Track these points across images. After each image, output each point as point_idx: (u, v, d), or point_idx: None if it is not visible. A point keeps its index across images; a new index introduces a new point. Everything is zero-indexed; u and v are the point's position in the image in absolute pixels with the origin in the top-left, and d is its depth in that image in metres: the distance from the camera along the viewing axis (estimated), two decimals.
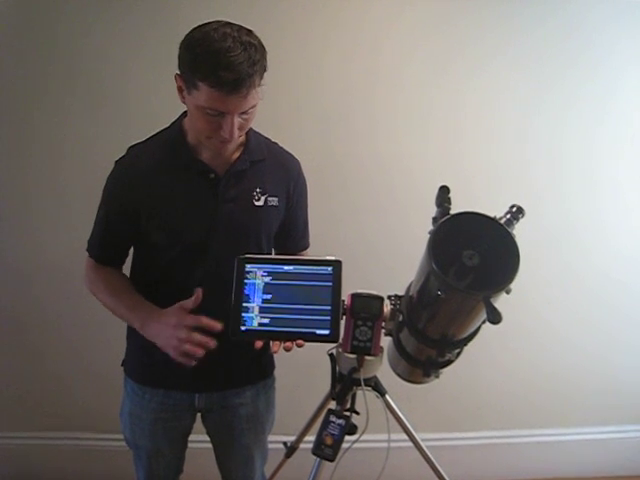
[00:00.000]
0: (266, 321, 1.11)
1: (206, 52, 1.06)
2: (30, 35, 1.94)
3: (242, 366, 1.35)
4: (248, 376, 1.40)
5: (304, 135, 2.01)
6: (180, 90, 1.17)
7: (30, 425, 2.18)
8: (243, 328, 1.11)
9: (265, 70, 1.14)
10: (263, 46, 1.13)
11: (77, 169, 1.99)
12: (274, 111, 1.97)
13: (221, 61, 1.05)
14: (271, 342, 1.12)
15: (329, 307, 1.11)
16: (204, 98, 1.09)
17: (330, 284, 1.12)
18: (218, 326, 1.13)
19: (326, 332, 1.10)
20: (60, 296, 2.03)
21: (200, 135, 1.20)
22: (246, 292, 1.13)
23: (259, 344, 1.10)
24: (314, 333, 1.10)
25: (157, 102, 1.81)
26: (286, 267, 1.15)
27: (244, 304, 1.12)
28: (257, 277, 1.14)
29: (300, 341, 1.09)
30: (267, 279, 1.14)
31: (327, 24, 2.02)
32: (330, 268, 1.13)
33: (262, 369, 1.44)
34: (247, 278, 1.13)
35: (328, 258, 1.15)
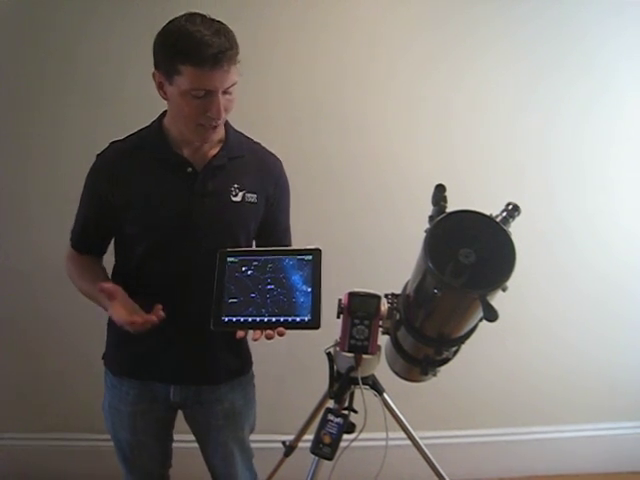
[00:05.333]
0: (247, 311, 1.12)
1: (184, 36, 1.11)
2: (28, 35, 1.94)
3: (218, 360, 1.36)
4: (224, 372, 1.39)
5: (296, 134, 2.01)
6: (160, 86, 1.19)
7: (30, 425, 2.17)
8: (225, 319, 1.12)
9: (238, 51, 1.17)
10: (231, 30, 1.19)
11: (74, 168, 1.97)
12: (266, 110, 1.98)
13: (200, 40, 1.10)
14: (252, 331, 1.12)
15: (309, 294, 1.11)
16: (188, 80, 1.12)
17: (310, 271, 1.13)
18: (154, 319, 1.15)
19: (307, 318, 1.10)
20: (60, 296, 2.01)
21: (189, 124, 1.20)
22: (227, 283, 1.14)
23: (241, 334, 1.10)
24: (295, 320, 1.10)
25: (156, 102, 1.81)
26: (267, 257, 1.16)
27: (225, 295, 1.13)
28: (238, 269, 1.15)
29: (281, 329, 1.09)
30: (249, 270, 1.15)
31: (319, 24, 2.03)
32: (310, 256, 1.14)
33: (238, 366, 1.43)
34: (228, 270, 1.15)
35: (308, 247, 1.16)
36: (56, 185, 2.01)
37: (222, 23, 1.17)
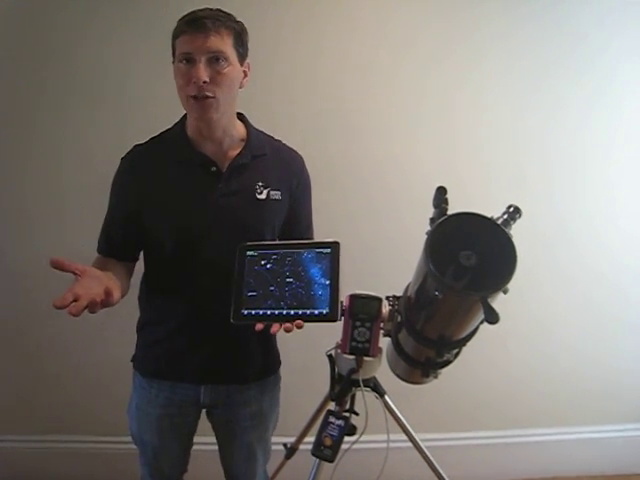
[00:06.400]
0: (266, 304, 1.12)
1: (181, 18, 1.21)
2: (29, 35, 1.94)
3: (247, 358, 1.36)
4: (252, 370, 1.39)
5: (298, 134, 1.99)
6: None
7: (29, 428, 2.17)
8: (244, 312, 1.12)
9: (232, 26, 1.21)
10: (243, 26, 1.25)
11: (75, 171, 1.99)
12: (268, 109, 1.97)
13: (189, 14, 1.20)
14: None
15: (328, 287, 1.11)
16: (177, 52, 1.19)
17: (329, 264, 1.13)
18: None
19: (325, 311, 1.10)
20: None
21: (182, 98, 1.22)
22: (246, 277, 1.14)
23: (259, 326, 1.10)
24: (313, 313, 1.10)
25: (156, 103, 1.82)
26: (286, 251, 1.16)
27: (245, 289, 1.13)
28: (258, 262, 1.16)
29: (299, 321, 1.09)
30: (268, 264, 1.15)
31: (322, 22, 2.03)
32: (329, 249, 1.14)
33: (268, 365, 1.43)
34: (248, 263, 1.15)
35: (326, 240, 1.16)
36: (56, 186, 2.01)
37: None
